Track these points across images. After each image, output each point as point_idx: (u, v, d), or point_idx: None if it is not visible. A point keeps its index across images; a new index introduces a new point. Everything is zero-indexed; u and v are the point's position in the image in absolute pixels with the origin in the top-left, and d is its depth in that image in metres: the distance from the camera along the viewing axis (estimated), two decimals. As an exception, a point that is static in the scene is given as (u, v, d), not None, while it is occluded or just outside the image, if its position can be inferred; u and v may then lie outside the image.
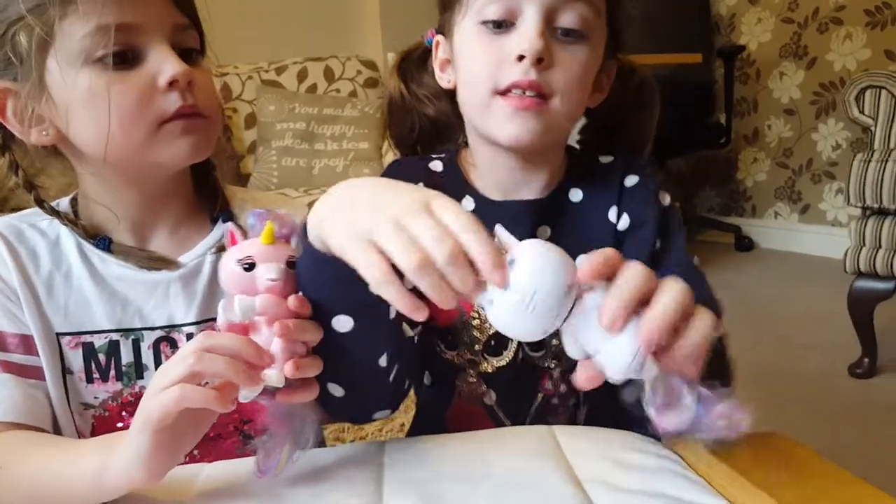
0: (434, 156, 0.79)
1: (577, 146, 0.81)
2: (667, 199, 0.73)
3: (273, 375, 0.47)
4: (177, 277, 0.70)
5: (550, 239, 0.65)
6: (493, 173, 0.73)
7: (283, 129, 2.55)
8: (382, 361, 0.58)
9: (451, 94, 0.74)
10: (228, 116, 2.62)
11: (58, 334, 0.67)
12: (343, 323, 0.53)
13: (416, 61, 0.81)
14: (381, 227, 0.45)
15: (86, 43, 0.59)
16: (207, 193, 0.75)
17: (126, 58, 0.61)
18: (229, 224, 0.55)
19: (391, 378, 0.60)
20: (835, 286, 2.08)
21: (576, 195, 0.75)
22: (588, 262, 0.44)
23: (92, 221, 0.70)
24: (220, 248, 0.71)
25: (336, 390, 0.57)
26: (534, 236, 0.68)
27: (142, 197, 0.69)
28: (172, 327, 0.69)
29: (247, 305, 0.48)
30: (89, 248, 0.69)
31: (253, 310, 0.48)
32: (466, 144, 0.77)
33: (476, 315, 0.72)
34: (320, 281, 0.52)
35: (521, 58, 0.62)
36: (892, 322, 2.08)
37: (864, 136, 1.83)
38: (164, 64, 0.61)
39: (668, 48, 2.73)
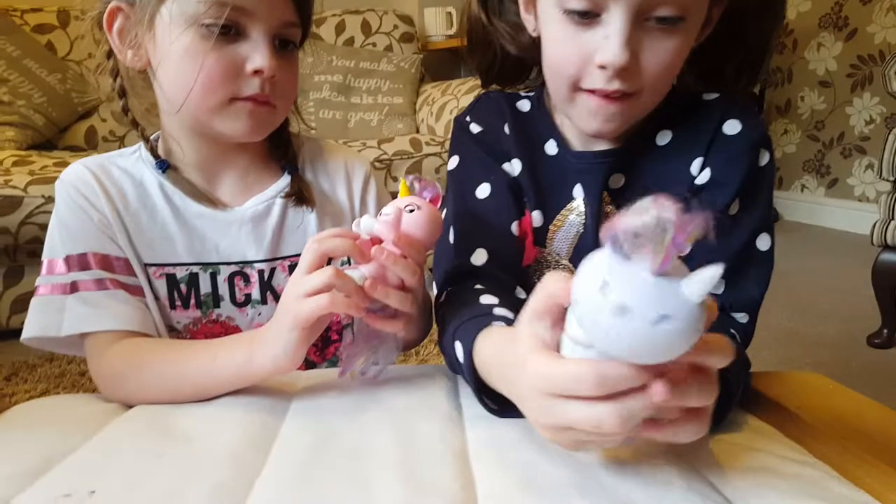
0: (523, 92, 0.76)
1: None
2: (765, 158, 0.64)
3: (356, 274, 0.56)
4: (248, 218, 0.75)
5: (623, 186, 0.68)
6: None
7: (320, 81, 2.58)
8: None
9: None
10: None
11: (145, 265, 0.73)
12: None
13: None
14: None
15: (200, 8, 0.64)
16: (280, 144, 0.80)
17: (229, 33, 0.65)
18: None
19: None
20: (857, 260, 2.09)
21: (663, 137, 0.68)
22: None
23: (167, 152, 0.76)
24: (289, 195, 0.77)
25: None
26: (606, 187, 0.67)
27: (210, 146, 0.74)
28: (245, 263, 0.75)
29: (368, 226, 0.59)
30: (170, 189, 0.74)
31: (371, 230, 0.58)
32: None
33: (546, 261, 0.71)
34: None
35: (603, 67, 0.57)
36: (914, 296, 2.11)
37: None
38: (257, 53, 0.66)
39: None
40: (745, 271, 0.63)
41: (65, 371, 1.62)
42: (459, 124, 0.75)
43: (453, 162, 0.74)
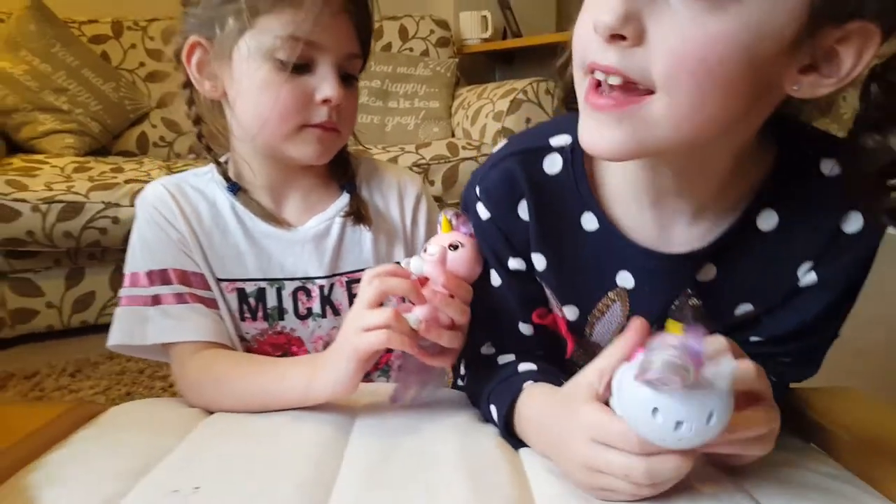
0: (555, 142, 0.60)
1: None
2: (875, 245, 0.55)
3: (412, 317, 0.61)
4: (310, 238, 0.81)
5: (714, 280, 0.57)
6: (643, 180, 0.55)
7: (359, 86, 2.65)
8: None
9: None
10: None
11: (218, 280, 0.80)
12: None
13: None
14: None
15: (276, 43, 0.70)
16: (339, 164, 0.86)
17: (301, 66, 0.72)
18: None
19: None
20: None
21: (767, 220, 0.55)
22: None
23: (237, 175, 0.82)
24: (347, 214, 0.82)
25: None
26: (692, 280, 0.58)
27: (278, 168, 0.81)
28: (307, 279, 0.81)
29: (418, 266, 0.63)
30: (241, 210, 0.81)
31: (420, 271, 0.63)
32: None
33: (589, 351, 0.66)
34: None
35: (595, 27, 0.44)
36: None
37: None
38: (325, 84, 0.73)
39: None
40: (814, 357, 0.62)
41: (125, 369, 1.72)
42: (470, 192, 0.65)
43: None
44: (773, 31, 0.42)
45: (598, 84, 0.46)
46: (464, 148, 2.36)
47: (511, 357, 0.67)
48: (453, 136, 2.67)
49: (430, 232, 0.88)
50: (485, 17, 3.05)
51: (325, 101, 0.73)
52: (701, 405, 0.42)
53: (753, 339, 0.61)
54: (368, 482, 0.55)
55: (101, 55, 2.45)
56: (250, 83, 0.73)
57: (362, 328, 0.62)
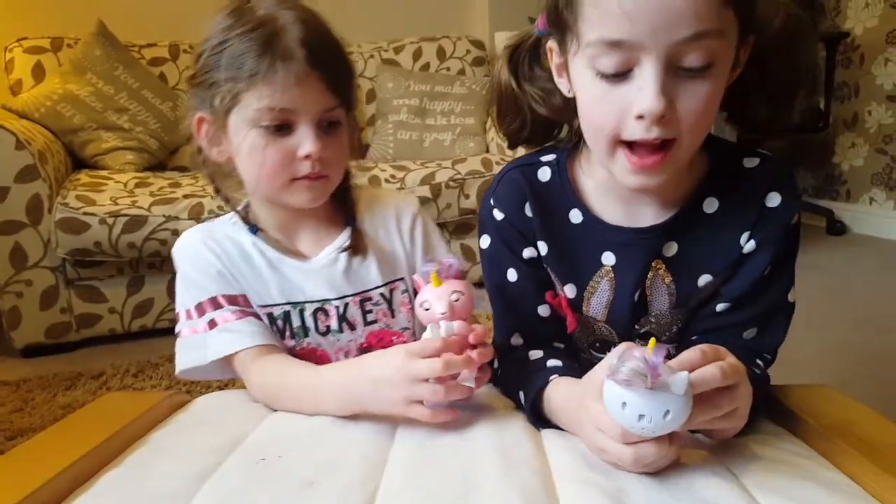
0: (543, 158, 0.78)
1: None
2: (795, 219, 0.72)
3: (465, 382, 0.71)
4: (322, 267, 0.92)
5: (678, 253, 0.74)
6: (612, 183, 0.72)
7: (399, 104, 2.79)
8: None
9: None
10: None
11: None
12: None
13: (527, 52, 0.78)
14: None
15: (257, 114, 0.81)
16: (341, 201, 0.94)
17: (281, 129, 0.81)
18: (415, 276, 0.77)
19: None
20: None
21: (711, 205, 0.73)
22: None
23: (255, 218, 0.93)
24: (346, 248, 0.92)
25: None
26: (659, 255, 0.73)
27: (285, 212, 0.91)
28: (324, 301, 0.91)
29: (449, 328, 0.71)
30: (263, 245, 0.91)
31: (452, 331, 0.71)
32: (578, 144, 0.77)
33: (588, 325, 0.81)
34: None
35: (641, 116, 0.60)
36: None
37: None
38: (306, 141, 0.82)
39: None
40: (775, 322, 0.76)
41: (183, 369, 1.85)
42: (485, 206, 0.81)
43: (485, 241, 0.82)
44: (727, 70, 0.63)
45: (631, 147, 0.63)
46: (497, 163, 2.47)
47: (540, 353, 0.78)
48: (488, 151, 2.79)
49: (427, 246, 0.98)
50: (519, 36, 3.15)
51: (307, 157, 0.83)
52: (659, 404, 0.53)
53: (720, 308, 0.75)
54: (418, 453, 0.66)
55: (159, 76, 2.63)
56: (242, 148, 0.84)
57: (412, 399, 0.69)
